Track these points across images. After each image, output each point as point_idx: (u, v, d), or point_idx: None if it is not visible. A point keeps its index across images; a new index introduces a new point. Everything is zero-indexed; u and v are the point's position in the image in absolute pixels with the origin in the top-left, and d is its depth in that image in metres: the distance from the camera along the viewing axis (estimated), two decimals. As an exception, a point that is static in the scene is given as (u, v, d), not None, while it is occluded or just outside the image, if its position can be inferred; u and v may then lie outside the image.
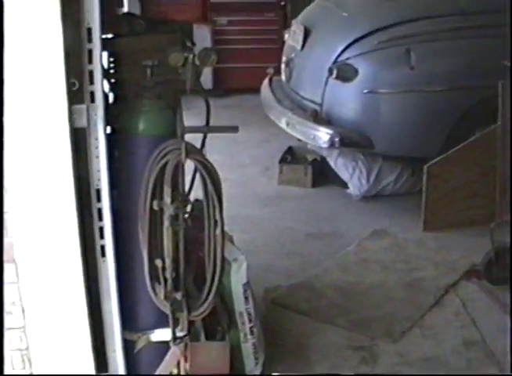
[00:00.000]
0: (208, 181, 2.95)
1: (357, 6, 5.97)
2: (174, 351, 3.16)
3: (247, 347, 3.62)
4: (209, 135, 3.36)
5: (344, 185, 5.94)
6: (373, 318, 4.31)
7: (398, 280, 4.72)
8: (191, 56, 3.01)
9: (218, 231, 2.99)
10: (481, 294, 4.57)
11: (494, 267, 4.59)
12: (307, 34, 5.90)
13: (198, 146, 3.16)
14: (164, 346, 3.21)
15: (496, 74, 4.67)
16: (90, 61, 2.90)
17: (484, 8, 5.56)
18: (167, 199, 2.96)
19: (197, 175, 3.03)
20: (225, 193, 3.06)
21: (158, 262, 3.03)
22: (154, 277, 3.08)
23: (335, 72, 5.45)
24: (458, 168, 5.31)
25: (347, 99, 5.54)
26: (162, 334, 3.25)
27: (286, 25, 7.68)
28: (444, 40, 5.44)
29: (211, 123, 3.30)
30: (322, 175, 6.23)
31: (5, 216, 2.88)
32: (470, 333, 4.17)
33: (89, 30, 2.87)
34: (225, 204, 3.01)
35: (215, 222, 2.98)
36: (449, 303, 4.49)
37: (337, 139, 5.36)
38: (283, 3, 8.73)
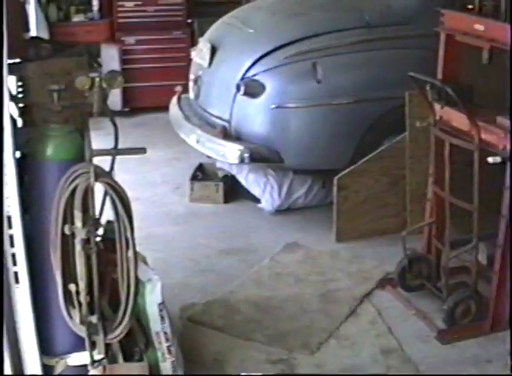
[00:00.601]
0: (118, 203, 2.94)
1: (263, 22, 6.00)
2: (93, 374, 3.12)
3: (166, 366, 3.59)
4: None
5: (256, 200, 5.96)
6: (289, 331, 4.33)
7: (312, 292, 4.75)
8: (97, 79, 2.98)
9: (130, 252, 2.97)
10: (396, 302, 4.64)
11: (407, 274, 4.67)
12: (214, 51, 5.91)
13: (108, 167, 3.14)
14: (83, 369, 3.17)
15: (402, 85, 4.78)
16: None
17: (388, 20, 5.69)
18: (78, 223, 2.94)
19: (108, 198, 3.01)
20: (137, 212, 3.03)
21: (72, 287, 3.00)
22: (69, 301, 3.04)
23: (242, 88, 5.47)
24: (367, 178, 5.39)
25: (255, 115, 5.56)
26: (80, 358, 3.21)
27: (194, 43, 7.69)
28: (350, 53, 5.53)
29: (120, 142, 3.27)
30: (234, 190, 6.23)
31: None
32: (387, 341, 4.22)
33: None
34: (136, 224, 3.00)
35: (127, 243, 2.96)
36: (365, 312, 4.54)
37: (246, 155, 5.38)
38: (190, 21, 8.73)
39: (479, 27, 4.14)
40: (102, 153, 3.14)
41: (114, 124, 3.19)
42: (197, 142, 5.68)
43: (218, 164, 6.17)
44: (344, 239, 5.43)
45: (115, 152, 3.19)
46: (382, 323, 4.41)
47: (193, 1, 8.81)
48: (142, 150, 3.14)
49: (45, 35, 7.13)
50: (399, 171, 5.36)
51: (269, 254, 5.23)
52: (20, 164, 3.04)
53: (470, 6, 4.30)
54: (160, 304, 3.54)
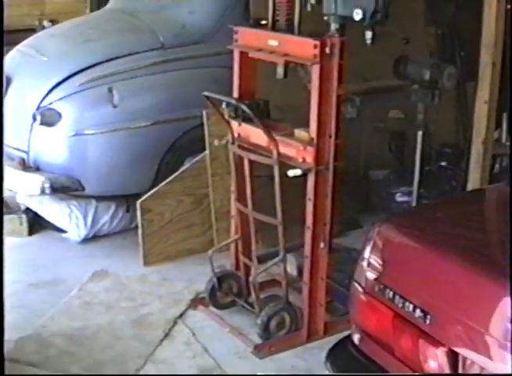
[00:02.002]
0: None
1: (57, 50, 5.85)
2: None
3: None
4: None
5: (62, 229, 5.79)
6: (105, 360, 4.21)
7: (125, 319, 4.65)
8: None
9: None
10: (210, 321, 4.63)
11: (218, 292, 4.68)
12: (8, 82, 5.71)
13: None
14: None
15: (200, 104, 4.80)
16: None
17: (183, 40, 5.72)
18: None
19: None
20: None
21: None
22: None
23: (39, 118, 5.33)
24: (171, 199, 5.37)
25: (53, 144, 5.43)
26: None
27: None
28: (145, 76, 5.50)
29: None
30: (38, 222, 6.02)
31: None
32: (204, 360, 4.20)
33: None
34: None
35: None
36: (179, 334, 4.50)
37: (47, 186, 5.24)
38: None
39: (273, 42, 4.23)
40: None
41: None
42: (-3, 175, 5.46)
43: (19, 199, 5.95)
44: (152, 262, 5.38)
45: None
46: (197, 343, 4.38)
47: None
48: None
49: None
50: (202, 190, 5.38)
51: (78, 284, 5.08)
52: None
53: (263, 22, 4.37)
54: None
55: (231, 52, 4.52)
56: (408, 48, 4.62)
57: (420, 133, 4.84)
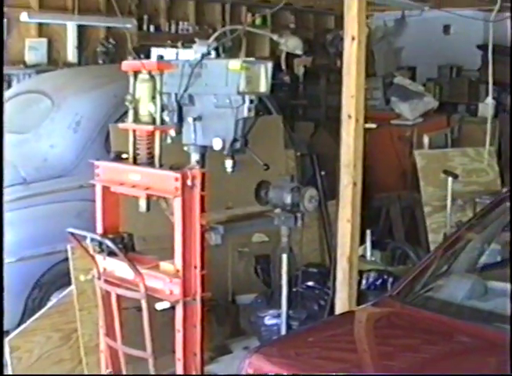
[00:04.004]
0: None
1: None
2: None
3: None
4: None
5: None
6: None
7: None
8: None
9: None
10: None
11: None
12: None
13: None
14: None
15: (65, 238, 4.73)
16: None
17: (45, 174, 5.69)
18: None
19: None
20: None
21: None
22: None
23: None
24: (39, 336, 5.21)
25: None
26: None
27: None
28: (8, 211, 5.36)
29: None
30: None
31: None
32: None
33: None
34: None
35: None
36: None
37: None
38: None
39: (134, 176, 4.26)
40: None
41: None
42: None
43: None
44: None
45: None
46: None
47: None
48: None
49: None
50: (70, 325, 5.25)
51: None
52: None
53: (124, 156, 4.40)
54: None
55: (93, 185, 4.53)
56: (268, 173, 4.73)
57: (284, 256, 4.92)
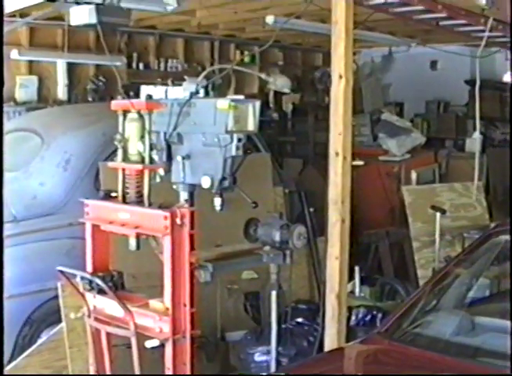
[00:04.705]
0: None
1: None
2: None
3: None
4: None
5: None
6: None
7: None
8: None
9: None
10: None
11: None
12: None
13: None
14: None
15: (55, 276, 4.74)
16: None
17: (35, 212, 5.73)
18: None
19: None
20: None
21: None
22: None
23: None
24: (30, 373, 5.21)
25: None
26: None
27: None
28: None
29: None
30: None
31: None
32: None
33: None
34: None
35: None
36: None
37: None
38: None
39: (124, 215, 4.29)
40: None
41: None
42: None
43: None
44: None
45: None
46: None
47: None
48: None
49: None
50: (61, 362, 5.26)
51: None
52: None
53: (114, 194, 4.43)
54: None
55: (83, 223, 4.55)
56: (257, 210, 4.76)
57: (274, 292, 4.93)
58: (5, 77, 8.79)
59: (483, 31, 6.36)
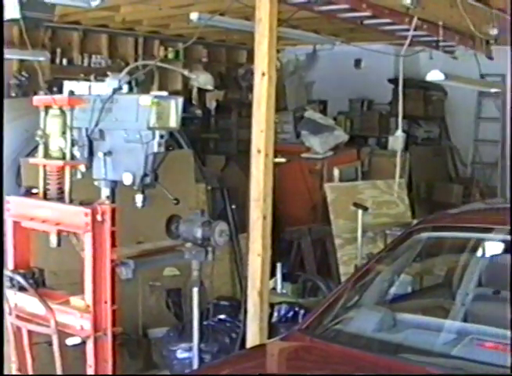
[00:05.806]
0: None
1: None
2: None
3: None
4: None
5: None
6: None
7: None
8: None
9: None
10: None
11: None
12: None
13: None
14: None
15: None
16: None
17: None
18: None
19: None
20: None
21: None
22: None
23: None
24: None
25: None
26: None
27: None
28: None
29: None
30: None
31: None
32: None
33: None
34: None
35: None
36: None
37: None
38: None
39: (45, 211, 4.25)
40: None
41: None
42: None
43: None
44: None
45: None
46: None
47: None
48: None
49: None
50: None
51: None
52: None
53: (34, 191, 4.39)
54: None
55: (5, 220, 4.50)
56: (179, 207, 4.76)
57: (195, 289, 4.94)
58: None
59: (407, 30, 6.44)
